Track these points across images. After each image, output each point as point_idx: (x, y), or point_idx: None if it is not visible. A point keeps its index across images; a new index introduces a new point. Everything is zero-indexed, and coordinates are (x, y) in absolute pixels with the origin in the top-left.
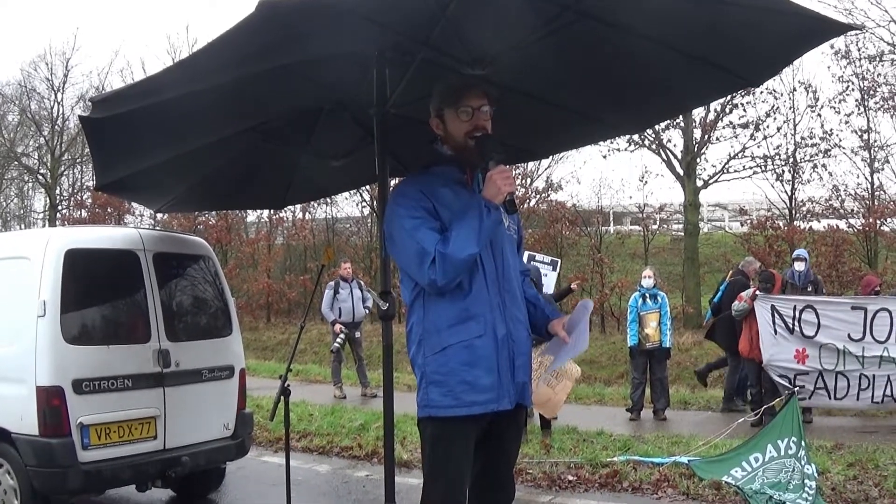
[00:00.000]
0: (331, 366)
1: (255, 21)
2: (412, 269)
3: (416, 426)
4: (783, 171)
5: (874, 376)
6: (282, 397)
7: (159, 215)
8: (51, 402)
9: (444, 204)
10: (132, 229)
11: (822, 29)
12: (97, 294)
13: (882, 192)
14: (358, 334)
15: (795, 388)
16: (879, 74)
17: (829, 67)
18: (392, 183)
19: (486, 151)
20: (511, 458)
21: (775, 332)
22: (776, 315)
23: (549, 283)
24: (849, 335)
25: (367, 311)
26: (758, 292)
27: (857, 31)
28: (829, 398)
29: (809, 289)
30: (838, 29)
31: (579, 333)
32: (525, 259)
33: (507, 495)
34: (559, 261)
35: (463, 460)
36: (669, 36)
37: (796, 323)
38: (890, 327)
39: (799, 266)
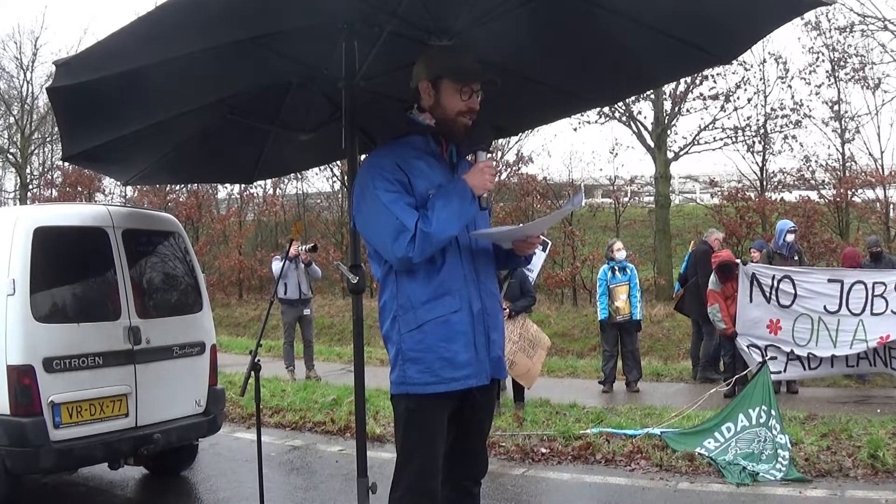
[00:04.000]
0: (282, 349)
1: None
2: (385, 243)
3: (388, 400)
4: (754, 143)
5: (846, 357)
6: (252, 372)
7: (130, 192)
8: (21, 380)
9: (419, 175)
10: (101, 206)
11: (792, 4)
12: (67, 272)
13: (853, 162)
14: (307, 311)
15: (767, 358)
16: (850, 45)
17: (799, 39)
18: (361, 158)
19: (480, 139)
20: (484, 432)
21: (751, 299)
22: (755, 282)
23: (538, 262)
24: (825, 307)
25: (313, 285)
26: (742, 263)
27: (828, 4)
28: (804, 369)
29: (796, 258)
30: (808, 4)
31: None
32: None
33: (480, 468)
34: (549, 242)
35: (438, 436)
36: (640, 10)
37: (773, 292)
38: (865, 300)
39: (790, 237)
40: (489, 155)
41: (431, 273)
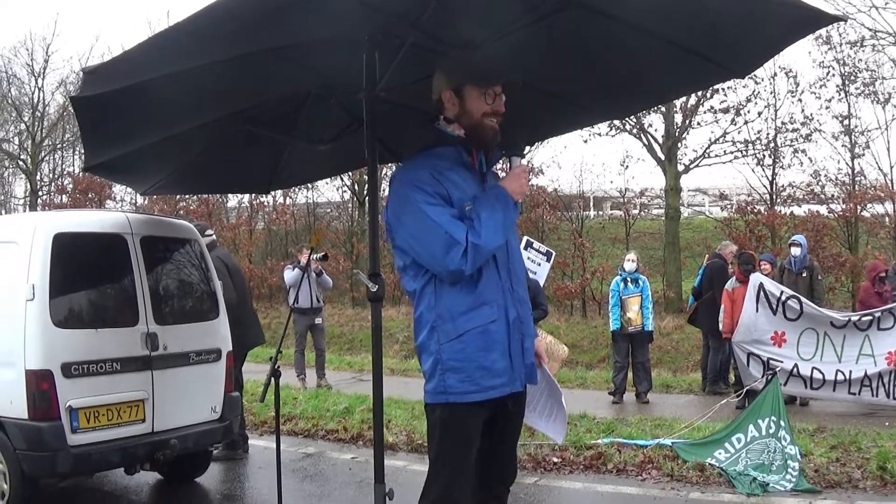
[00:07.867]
0: (293, 357)
1: None
2: (435, 257)
3: (400, 409)
4: (764, 156)
5: (850, 372)
6: (272, 378)
7: (140, 200)
8: (40, 385)
9: (454, 187)
10: (120, 213)
11: (809, 19)
12: (85, 278)
13: (862, 177)
14: (319, 320)
15: (777, 369)
16: (860, 60)
17: (809, 53)
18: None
19: (512, 145)
20: (515, 438)
21: (757, 309)
22: (762, 293)
23: (543, 272)
24: (831, 322)
25: (323, 296)
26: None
27: (843, 20)
28: (805, 387)
29: (804, 274)
30: (826, 20)
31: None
32: (522, 244)
33: (511, 473)
34: (553, 252)
35: (472, 444)
36: (655, 24)
37: (780, 305)
38: (871, 319)
39: (795, 251)
40: (523, 161)
41: (470, 283)
